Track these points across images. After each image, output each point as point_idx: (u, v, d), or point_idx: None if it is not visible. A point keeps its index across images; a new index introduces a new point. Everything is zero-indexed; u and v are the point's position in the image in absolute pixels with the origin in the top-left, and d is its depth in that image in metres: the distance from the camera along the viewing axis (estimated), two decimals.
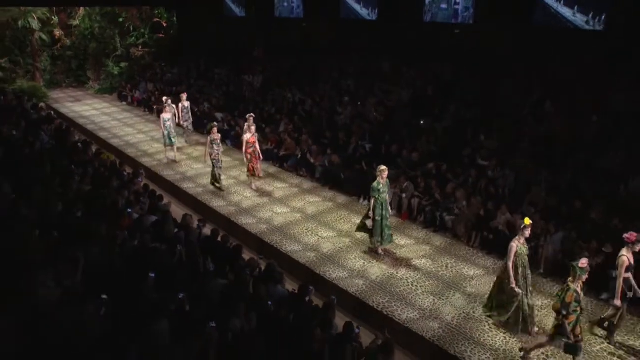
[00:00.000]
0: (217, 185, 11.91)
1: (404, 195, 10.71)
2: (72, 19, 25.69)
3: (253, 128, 11.66)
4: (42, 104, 19.41)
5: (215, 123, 12.63)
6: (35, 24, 23.89)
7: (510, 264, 6.70)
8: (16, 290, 4.80)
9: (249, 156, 11.54)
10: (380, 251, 8.94)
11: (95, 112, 20.57)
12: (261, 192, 11.72)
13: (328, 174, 12.31)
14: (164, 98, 14.93)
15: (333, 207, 10.94)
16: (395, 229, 9.79)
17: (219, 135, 12.11)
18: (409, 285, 7.98)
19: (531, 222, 6.85)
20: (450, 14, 14.57)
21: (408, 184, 10.78)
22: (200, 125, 16.33)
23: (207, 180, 12.26)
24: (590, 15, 11.63)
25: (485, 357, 6.38)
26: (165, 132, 13.67)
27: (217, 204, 11.03)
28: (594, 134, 10.79)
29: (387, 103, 14.61)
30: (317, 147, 13.13)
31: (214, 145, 11.72)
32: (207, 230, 8.51)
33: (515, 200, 9.76)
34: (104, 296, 4.71)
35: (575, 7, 11.87)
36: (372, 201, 8.69)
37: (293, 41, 19.59)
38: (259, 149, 11.69)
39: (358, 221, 9.97)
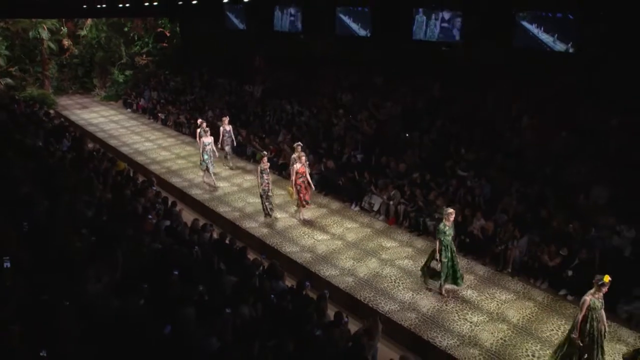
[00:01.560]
0: (268, 216, 11.60)
1: (391, 202, 11.90)
2: (80, 29, 26.84)
3: (304, 158, 11.40)
4: (52, 111, 20.59)
5: (265, 152, 12.37)
6: (45, 34, 25.05)
7: (580, 317, 6.55)
8: (68, 286, 5.92)
9: (298, 187, 11.25)
10: (443, 292, 8.71)
11: (103, 119, 21.72)
12: None
13: (323, 181, 13.48)
14: (199, 121, 14.84)
15: (327, 212, 12.11)
16: (381, 233, 11.02)
17: (269, 164, 11.80)
18: (392, 282, 9.18)
19: (610, 279, 6.51)
20: (439, 32, 15.69)
21: (395, 192, 11.97)
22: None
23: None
24: (560, 39, 12.77)
25: (453, 342, 7.57)
26: (205, 157, 13.46)
27: (222, 209, 12.20)
28: (561, 148, 12.00)
29: (379, 116, 15.80)
30: (313, 157, 14.30)
31: (264, 175, 11.37)
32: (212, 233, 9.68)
33: (490, 208, 10.97)
34: (145, 285, 5.90)
35: (555, 35, 13.01)
36: (438, 243, 8.48)
37: (292, 54, 20.74)
38: (309, 179, 11.45)
39: (350, 225, 11.22)
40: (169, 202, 10.71)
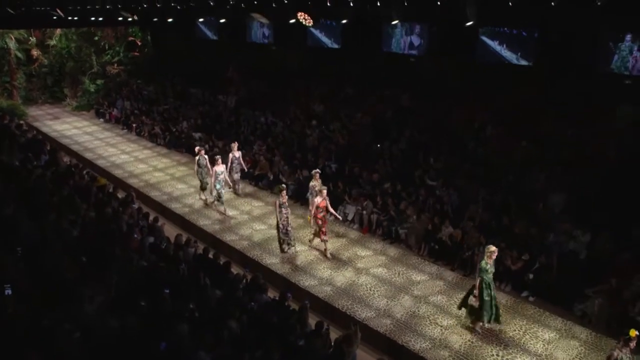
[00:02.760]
0: (286, 250, 11.10)
1: (364, 212, 12.49)
2: (49, 38, 26.59)
3: (324, 191, 10.93)
4: (22, 122, 20.45)
5: (284, 185, 11.72)
6: (12, 44, 24.78)
7: None
8: (65, 309, 6.26)
9: (319, 222, 10.76)
10: (478, 329, 8.55)
11: (76, 130, 21.69)
12: (241, 211, 13.28)
13: (299, 191, 13.97)
14: (197, 148, 14.29)
15: (304, 223, 12.60)
16: (356, 242, 11.61)
17: (287, 197, 11.36)
18: (367, 290, 9.76)
19: (637, 333, 6.72)
20: (406, 44, 16.38)
21: (368, 202, 12.57)
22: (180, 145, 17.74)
23: (192, 200, 13.78)
24: (519, 54, 13.59)
25: (425, 345, 8.20)
26: (218, 186, 12.90)
27: (203, 222, 12.58)
28: (522, 157, 12.82)
29: (350, 126, 16.41)
30: (289, 168, 14.79)
31: (283, 209, 10.83)
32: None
33: (457, 216, 11.67)
34: (142, 303, 6.31)
35: (512, 49, 13.80)
36: (479, 281, 8.35)
37: (264, 64, 21.18)
38: (332, 210, 11.15)
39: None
40: (151, 218, 11.05)
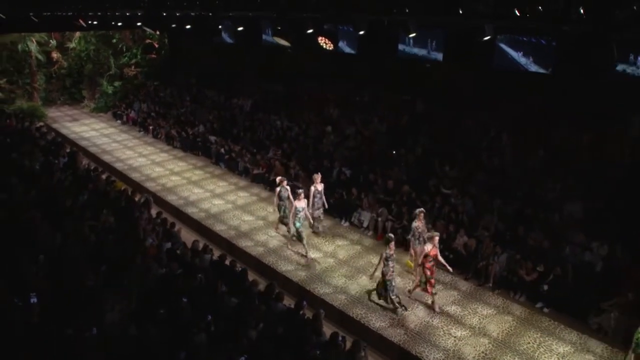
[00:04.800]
0: (399, 309, 9.42)
1: (379, 219, 12.54)
2: (69, 41, 27.03)
3: (437, 238, 9.46)
4: (42, 124, 20.86)
5: (392, 235, 9.69)
6: (33, 47, 25.24)
7: None
8: (85, 315, 6.43)
9: (428, 272, 9.40)
10: None
11: (94, 132, 22.03)
12: (256, 216, 13.38)
13: None
14: (279, 179, 12.42)
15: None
16: (371, 249, 11.69)
17: (394, 249, 9.50)
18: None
19: None
20: (423, 51, 16.32)
21: (382, 210, 12.62)
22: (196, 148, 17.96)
23: (208, 204, 13.94)
24: (537, 61, 13.49)
25: (439, 356, 8.24)
26: (297, 225, 11.23)
27: (219, 227, 12.71)
28: (538, 166, 12.77)
29: (365, 132, 16.45)
30: (305, 173, 14.88)
31: (390, 263, 9.27)
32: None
33: (472, 225, 11.67)
34: (162, 311, 6.47)
35: (530, 57, 13.72)
36: (633, 357, 7.67)
37: (281, 68, 21.28)
38: (442, 259, 9.54)
39: (341, 243, 11.81)
40: (168, 223, 11.24)
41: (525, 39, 13.39)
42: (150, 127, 21.69)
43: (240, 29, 16.43)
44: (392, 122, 16.42)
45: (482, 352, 8.38)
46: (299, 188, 12.21)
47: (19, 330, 5.62)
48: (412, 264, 10.62)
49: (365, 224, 12.82)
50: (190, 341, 6.16)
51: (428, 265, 9.37)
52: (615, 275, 9.54)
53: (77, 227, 9.46)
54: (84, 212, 10.34)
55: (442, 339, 8.68)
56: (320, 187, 12.26)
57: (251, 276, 9.60)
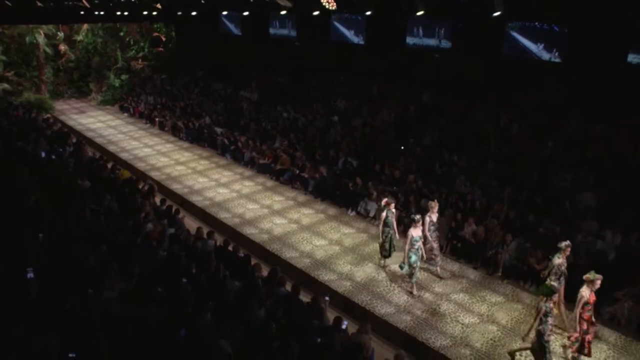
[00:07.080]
0: None
1: None
2: (76, 34, 27.05)
3: (598, 281, 7.45)
4: (49, 116, 20.84)
5: (554, 285, 8.09)
6: (41, 39, 25.26)
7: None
8: (83, 295, 6.28)
9: (585, 325, 7.40)
10: None
11: (100, 124, 21.99)
12: (261, 205, 13.23)
13: (320, 187, 13.88)
14: (385, 200, 10.50)
15: (325, 218, 12.52)
16: (377, 238, 11.34)
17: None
18: (387, 286, 9.62)
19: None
20: (430, 40, 16.09)
21: (389, 198, 12.38)
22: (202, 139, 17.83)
23: (213, 193, 13.79)
24: (550, 49, 13.21)
25: (446, 342, 8.02)
26: (413, 258, 9.31)
27: (223, 215, 12.56)
28: (548, 156, 12.51)
29: (373, 123, 16.25)
30: (310, 163, 14.71)
31: (549, 319, 7.21)
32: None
33: (481, 214, 11.43)
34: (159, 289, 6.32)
35: (539, 44, 13.46)
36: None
37: (287, 59, 21.16)
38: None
39: (347, 231, 11.61)
40: (173, 210, 11.10)
41: (538, 25, 13.13)
42: (157, 119, 21.61)
43: (245, 13, 16.15)
44: (400, 113, 16.21)
45: (491, 338, 8.15)
46: (414, 214, 10.08)
47: (17, 302, 5.49)
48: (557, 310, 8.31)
49: (371, 214, 12.62)
50: (193, 320, 6.01)
51: (587, 316, 7.37)
52: (629, 264, 9.26)
53: (79, 209, 9.36)
54: (85, 196, 10.24)
55: (450, 326, 8.46)
56: (435, 217, 10.15)
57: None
